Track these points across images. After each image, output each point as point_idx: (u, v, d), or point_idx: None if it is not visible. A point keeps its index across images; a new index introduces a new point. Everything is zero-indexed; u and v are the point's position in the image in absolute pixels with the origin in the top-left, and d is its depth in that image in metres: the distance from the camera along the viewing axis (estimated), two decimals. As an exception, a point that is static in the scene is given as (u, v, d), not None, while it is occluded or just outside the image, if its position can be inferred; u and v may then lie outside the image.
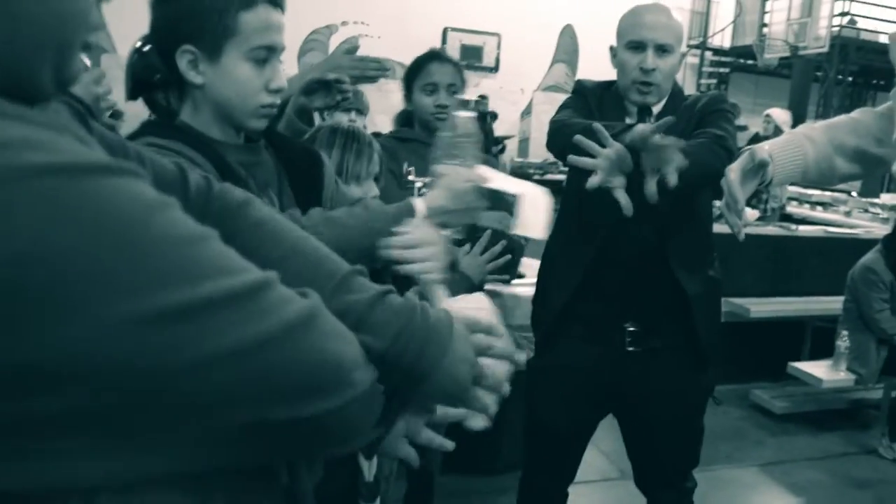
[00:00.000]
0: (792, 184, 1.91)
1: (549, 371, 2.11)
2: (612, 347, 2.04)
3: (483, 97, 11.16)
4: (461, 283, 2.21)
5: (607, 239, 1.93)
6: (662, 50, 1.92)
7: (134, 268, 0.50)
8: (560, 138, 1.91)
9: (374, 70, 1.85)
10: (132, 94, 1.35)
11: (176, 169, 0.85)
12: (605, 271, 1.98)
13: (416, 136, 2.30)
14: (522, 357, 0.91)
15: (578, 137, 1.62)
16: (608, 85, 2.07)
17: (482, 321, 0.87)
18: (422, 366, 0.74)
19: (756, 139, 6.41)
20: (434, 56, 2.30)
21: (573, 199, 2.12)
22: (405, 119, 2.42)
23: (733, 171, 1.62)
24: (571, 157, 1.64)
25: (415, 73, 2.27)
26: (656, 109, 2.00)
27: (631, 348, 2.03)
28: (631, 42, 1.94)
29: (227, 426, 0.56)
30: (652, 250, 1.91)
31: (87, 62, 1.51)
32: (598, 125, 1.65)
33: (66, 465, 0.52)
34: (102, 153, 0.58)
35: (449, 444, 0.93)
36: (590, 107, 2.02)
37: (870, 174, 1.76)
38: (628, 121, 2.00)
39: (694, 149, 1.82)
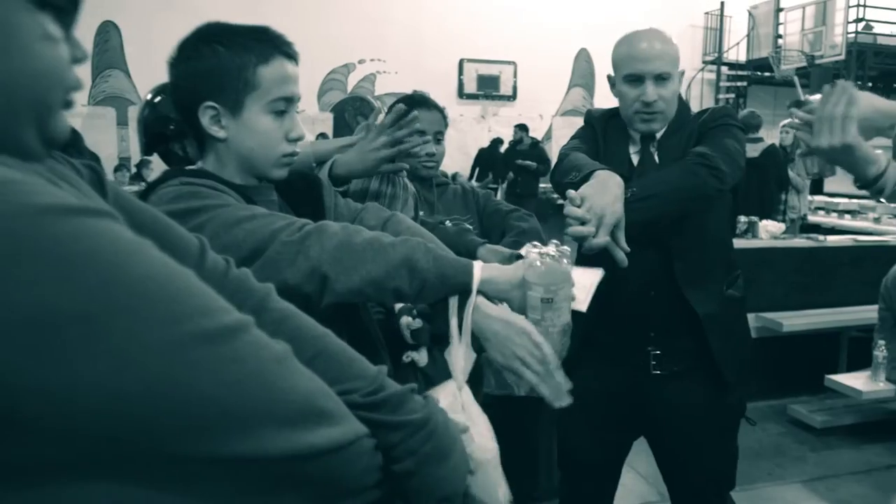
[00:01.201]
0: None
1: (576, 398, 2.08)
2: (636, 371, 2.02)
3: (523, 126, 11.16)
4: None
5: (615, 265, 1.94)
6: (661, 79, 1.91)
7: (121, 306, 0.51)
8: (555, 174, 1.93)
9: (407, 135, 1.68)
10: (147, 149, 1.37)
11: (197, 242, 0.87)
12: (617, 298, 1.96)
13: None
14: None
15: (569, 209, 1.62)
16: (615, 112, 2.07)
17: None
18: (422, 474, 0.80)
19: (772, 150, 6.37)
20: (422, 102, 2.23)
21: None
22: None
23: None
24: (571, 230, 1.64)
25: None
26: (659, 134, 2.00)
27: (656, 371, 2.01)
28: (629, 75, 1.92)
29: (216, 459, 0.57)
30: (660, 273, 1.90)
31: None
32: (570, 193, 1.64)
33: None
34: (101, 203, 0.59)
35: None
36: (596, 136, 2.03)
37: None
38: (632, 148, 2.01)
39: (665, 175, 1.84)
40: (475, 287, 1.13)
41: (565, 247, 1.15)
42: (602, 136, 2.03)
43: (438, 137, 2.21)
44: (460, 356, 1.14)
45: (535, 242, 1.17)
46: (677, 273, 1.93)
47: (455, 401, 1.11)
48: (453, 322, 1.14)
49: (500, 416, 1.22)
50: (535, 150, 10.86)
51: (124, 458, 0.53)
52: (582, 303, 1.26)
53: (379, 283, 1.11)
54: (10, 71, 0.58)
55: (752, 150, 6.21)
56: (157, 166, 1.39)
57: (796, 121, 1.48)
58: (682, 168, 1.83)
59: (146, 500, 0.55)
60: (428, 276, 1.12)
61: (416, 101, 2.20)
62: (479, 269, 1.15)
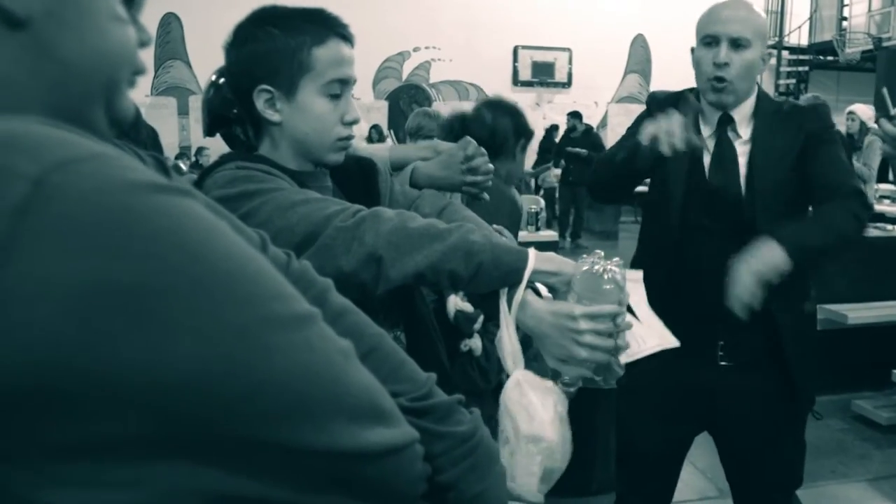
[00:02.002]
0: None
1: (639, 390, 2.02)
2: (703, 361, 1.96)
3: (576, 113, 11.09)
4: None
5: (688, 251, 1.88)
6: (737, 44, 1.84)
7: (204, 284, 0.51)
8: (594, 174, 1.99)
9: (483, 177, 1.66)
10: (210, 131, 1.38)
11: (258, 237, 0.86)
12: (686, 286, 1.91)
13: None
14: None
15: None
16: (681, 94, 2.01)
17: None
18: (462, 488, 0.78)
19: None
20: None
21: (651, 212, 2.10)
22: None
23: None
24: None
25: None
26: (740, 116, 1.91)
27: (724, 362, 1.95)
28: (705, 37, 1.88)
29: (277, 446, 0.55)
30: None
31: None
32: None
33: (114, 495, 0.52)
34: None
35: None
36: None
37: None
38: (704, 131, 1.93)
39: (830, 223, 1.78)
40: (526, 276, 1.10)
41: (616, 269, 1.09)
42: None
43: None
44: (509, 344, 1.12)
45: (600, 251, 1.13)
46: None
47: (517, 390, 1.09)
48: (502, 314, 1.12)
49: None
50: (589, 137, 10.72)
51: (203, 438, 0.53)
52: (631, 354, 1.21)
53: (435, 266, 1.09)
54: (84, 50, 0.59)
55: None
56: (215, 154, 1.40)
57: (879, 131, 1.47)
58: (846, 212, 1.78)
59: (220, 482, 0.55)
60: (484, 258, 1.09)
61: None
62: (533, 257, 1.11)
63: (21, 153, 0.48)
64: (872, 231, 4.63)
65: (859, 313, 4.16)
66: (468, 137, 1.65)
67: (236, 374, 0.52)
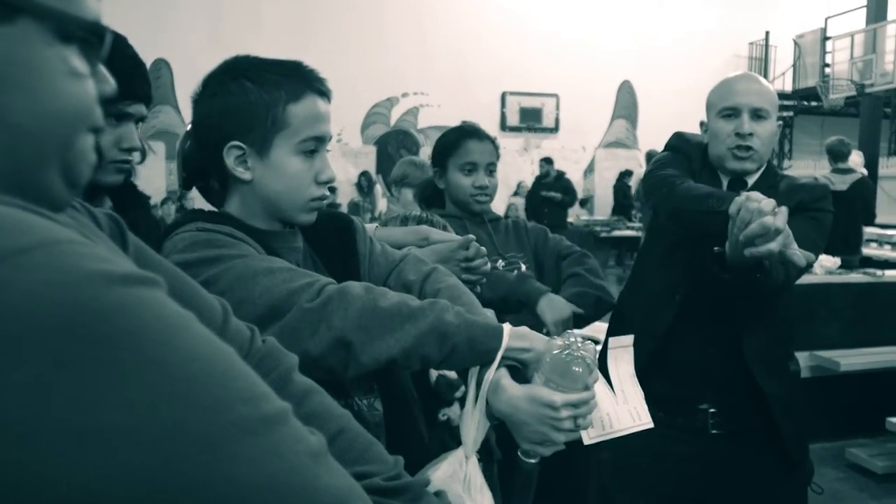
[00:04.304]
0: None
1: (628, 465, 1.95)
2: (693, 430, 1.89)
3: (548, 159, 11.27)
4: None
5: (683, 307, 1.84)
6: (758, 115, 1.84)
7: (165, 393, 0.46)
8: (674, 200, 1.81)
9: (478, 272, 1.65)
10: (186, 183, 1.33)
11: (220, 308, 0.82)
12: (677, 344, 1.88)
13: (451, 214, 2.15)
14: None
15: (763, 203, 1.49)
16: (706, 147, 1.95)
17: None
18: None
19: (861, 183, 6.23)
20: (472, 133, 2.15)
21: (653, 263, 2.04)
22: (431, 195, 2.26)
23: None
24: (753, 250, 1.48)
25: (450, 151, 2.12)
26: (750, 182, 1.89)
27: (715, 430, 1.89)
28: (724, 109, 1.86)
29: None
30: (724, 340, 1.84)
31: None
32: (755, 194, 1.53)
33: None
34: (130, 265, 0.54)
35: None
36: (692, 168, 1.92)
37: None
38: None
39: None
40: (499, 356, 1.08)
41: (586, 352, 1.08)
42: (699, 169, 1.92)
43: (491, 169, 2.14)
44: (473, 425, 1.09)
45: (574, 330, 1.11)
46: (745, 347, 1.84)
47: (458, 470, 1.06)
48: (471, 390, 1.09)
49: (545, 470, 1.15)
50: (560, 182, 11.02)
51: None
52: (590, 436, 1.19)
53: (407, 351, 1.04)
54: (37, 113, 0.54)
55: (841, 183, 6.01)
56: (199, 199, 1.34)
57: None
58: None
59: None
60: (458, 340, 1.06)
61: (468, 132, 2.15)
62: (507, 335, 1.09)
63: None
64: (863, 277, 4.62)
65: (851, 359, 4.13)
66: (472, 237, 1.64)
67: (197, 489, 0.47)
